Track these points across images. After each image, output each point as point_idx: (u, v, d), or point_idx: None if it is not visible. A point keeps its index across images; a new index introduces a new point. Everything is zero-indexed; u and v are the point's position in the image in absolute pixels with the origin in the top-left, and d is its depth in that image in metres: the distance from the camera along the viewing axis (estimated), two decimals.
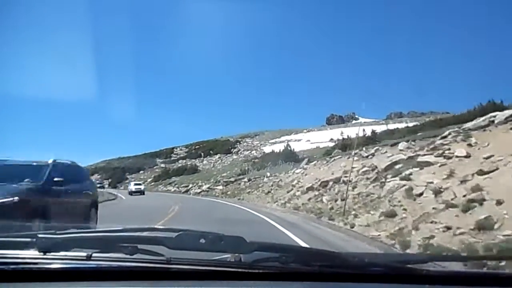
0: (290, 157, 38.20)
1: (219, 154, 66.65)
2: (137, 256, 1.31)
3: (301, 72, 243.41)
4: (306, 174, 21.50)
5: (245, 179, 34.89)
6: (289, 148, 42.81)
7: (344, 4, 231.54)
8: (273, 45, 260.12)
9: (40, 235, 1.37)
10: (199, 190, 38.94)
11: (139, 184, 39.17)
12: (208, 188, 38.33)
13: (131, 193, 35.16)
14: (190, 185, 43.30)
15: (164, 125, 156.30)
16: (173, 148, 78.53)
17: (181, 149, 76.89)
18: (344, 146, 29.12)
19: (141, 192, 35.60)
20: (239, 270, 1.30)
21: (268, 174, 32.08)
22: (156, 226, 1.83)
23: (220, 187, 36.59)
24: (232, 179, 37.69)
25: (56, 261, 1.28)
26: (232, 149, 68.88)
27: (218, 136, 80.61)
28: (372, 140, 28.63)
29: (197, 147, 74.85)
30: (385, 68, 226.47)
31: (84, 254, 1.29)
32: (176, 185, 47.81)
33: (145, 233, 1.54)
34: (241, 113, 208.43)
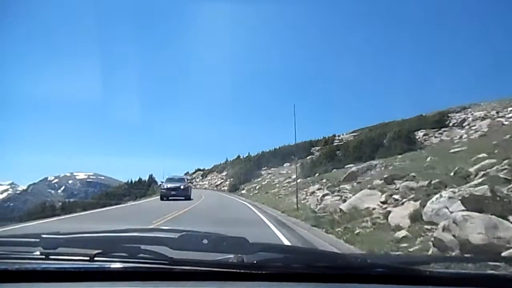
0: None
1: (423, 130, 39.72)
2: (140, 256, 1.32)
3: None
4: None
5: None
6: None
7: None
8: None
9: (43, 236, 1.39)
10: None
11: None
12: None
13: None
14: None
15: (327, 113, 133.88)
16: (334, 135, 60.06)
17: (346, 134, 57.79)
18: None
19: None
20: (242, 271, 1.29)
21: None
22: (159, 227, 1.66)
23: None
24: None
25: (59, 261, 1.30)
26: (449, 122, 40.95)
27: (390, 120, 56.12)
28: None
29: (370, 130, 51.73)
30: None
31: (87, 254, 1.30)
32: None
33: (147, 234, 1.53)
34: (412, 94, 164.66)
